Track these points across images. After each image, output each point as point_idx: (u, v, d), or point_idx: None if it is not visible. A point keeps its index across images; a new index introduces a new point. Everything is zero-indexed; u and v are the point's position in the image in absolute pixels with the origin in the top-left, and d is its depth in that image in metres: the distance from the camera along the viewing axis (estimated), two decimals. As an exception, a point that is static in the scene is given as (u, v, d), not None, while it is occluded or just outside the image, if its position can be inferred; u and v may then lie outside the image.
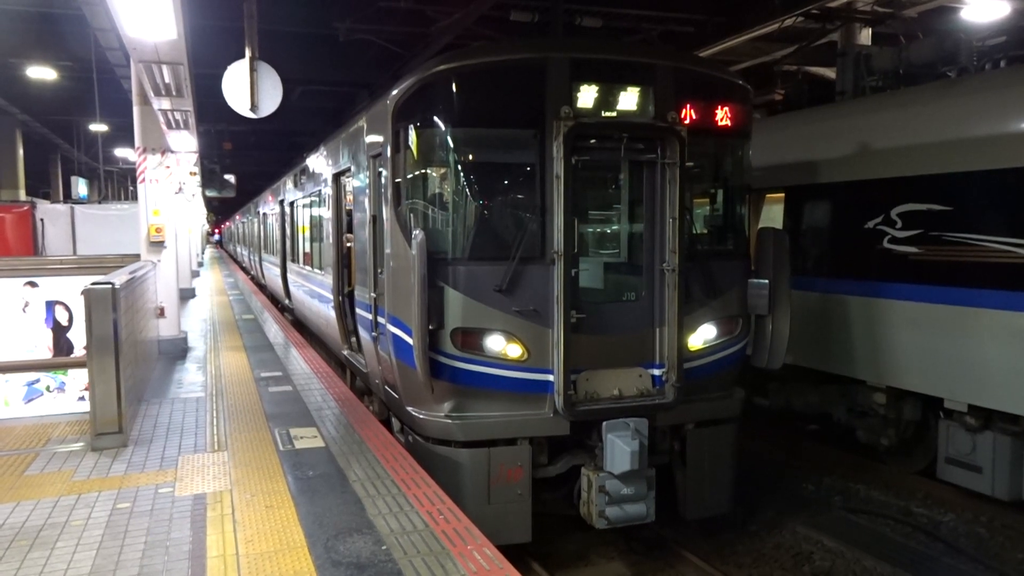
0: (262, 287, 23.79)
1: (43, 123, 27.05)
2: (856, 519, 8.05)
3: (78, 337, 8.09)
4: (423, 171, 6.61)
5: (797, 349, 8.83)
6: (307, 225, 13.20)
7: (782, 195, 9.85)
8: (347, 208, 9.31)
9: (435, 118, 6.35)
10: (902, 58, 9.38)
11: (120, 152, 31.13)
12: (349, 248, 9.13)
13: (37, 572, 4.28)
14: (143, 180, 10.95)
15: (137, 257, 11.08)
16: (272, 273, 19.19)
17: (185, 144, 11.86)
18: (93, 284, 6.50)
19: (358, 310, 8.36)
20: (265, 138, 26.15)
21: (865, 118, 8.85)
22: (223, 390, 8.84)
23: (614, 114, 6.37)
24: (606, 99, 6.33)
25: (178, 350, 11.44)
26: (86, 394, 6.90)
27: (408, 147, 6.52)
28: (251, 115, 8.72)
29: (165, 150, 11.12)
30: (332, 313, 9.81)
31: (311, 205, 12.55)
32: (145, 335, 9.14)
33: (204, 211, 41.60)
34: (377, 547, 4.50)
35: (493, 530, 5.15)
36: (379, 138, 7.12)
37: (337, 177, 9.66)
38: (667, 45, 12.45)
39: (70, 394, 8.07)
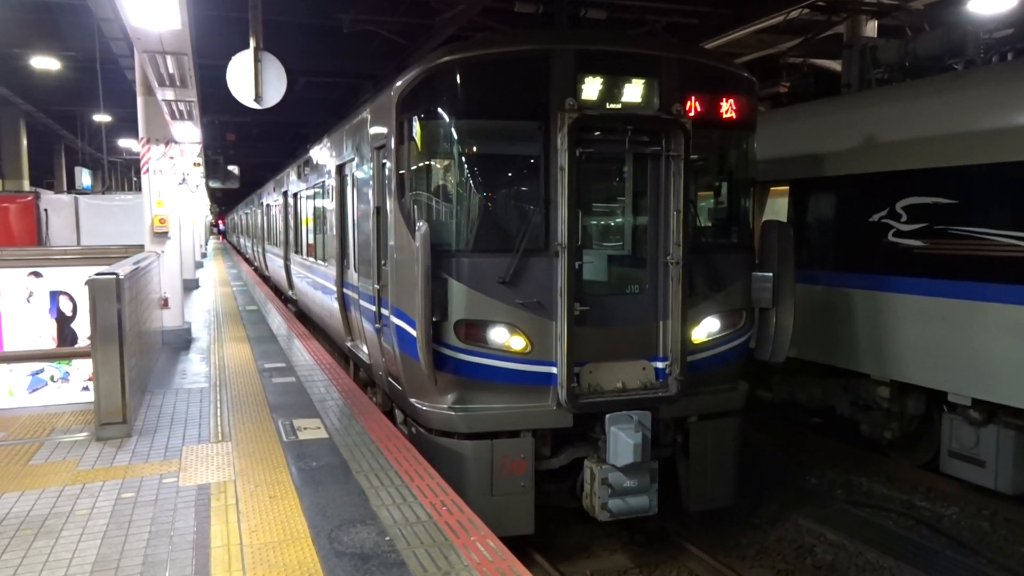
0: (265, 278, 23.81)
1: (47, 113, 27.07)
2: (859, 512, 8.05)
3: (82, 327, 8.13)
4: (427, 162, 6.59)
5: (801, 342, 8.83)
6: (310, 216, 13.19)
7: (787, 188, 9.83)
8: (351, 199, 9.30)
9: (439, 109, 6.34)
10: (908, 50, 9.33)
11: (124, 143, 31.14)
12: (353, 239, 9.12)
13: (42, 561, 4.30)
14: (147, 171, 10.96)
15: (141, 248, 11.11)
16: (275, 264, 19.20)
17: (189, 135, 11.85)
18: (97, 274, 6.51)
19: (361, 302, 8.36)
20: (268, 129, 26.14)
21: (870, 111, 8.81)
22: (227, 381, 8.85)
23: (619, 106, 6.34)
24: (611, 91, 6.30)
25: (182, 341, 11.47)
26: (90, 384, 6.93)
27: (412, 138, 6.50)
28: (255, 106, 8.70)
29: (169, 141, 11.13)
30: (335, 304, 9.82)
31: (314, 196, 12.54)
32: (149, 325, 9.15)
33: (208, 202, 41.61)
34: (380, 538, 4.51)
35: (496, 522, 5.17)
36: (383, 129, 7.11)
37: (341, 168, 9.65)
38: (672, 37, 12.39)
39: (74, 384, 8.12)
